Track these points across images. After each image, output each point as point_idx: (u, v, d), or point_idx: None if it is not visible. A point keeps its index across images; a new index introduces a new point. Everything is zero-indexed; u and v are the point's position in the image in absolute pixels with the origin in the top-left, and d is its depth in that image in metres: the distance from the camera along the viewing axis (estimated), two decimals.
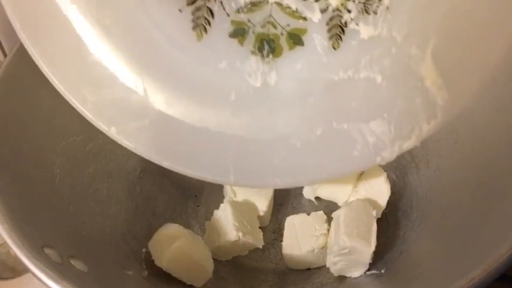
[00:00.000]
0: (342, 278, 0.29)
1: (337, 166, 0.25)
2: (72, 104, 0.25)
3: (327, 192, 0.33)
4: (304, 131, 0.25)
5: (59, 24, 0.24)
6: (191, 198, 0.34)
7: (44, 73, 0.24)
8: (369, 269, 0.28)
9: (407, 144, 0.24)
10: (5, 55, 0.30)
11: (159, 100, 0.25)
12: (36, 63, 0.24)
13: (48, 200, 0.26)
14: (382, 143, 0.24)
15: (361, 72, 0.23)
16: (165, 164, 0.26)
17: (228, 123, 0.25)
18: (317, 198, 0.33)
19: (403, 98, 0.23)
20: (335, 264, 0.28)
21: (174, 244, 0.27)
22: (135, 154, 0.34)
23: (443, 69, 0.22)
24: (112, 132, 0.25)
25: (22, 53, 0.28)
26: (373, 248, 0.26)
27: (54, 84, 0.25)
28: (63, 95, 0.25)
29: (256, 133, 0.25)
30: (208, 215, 0.32)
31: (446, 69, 0.22)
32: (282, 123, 0.25)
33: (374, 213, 0.28)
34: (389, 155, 0.24)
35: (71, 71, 0.24)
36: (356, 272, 0.28)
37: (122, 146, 0.33)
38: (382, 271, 0.27)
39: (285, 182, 0.25)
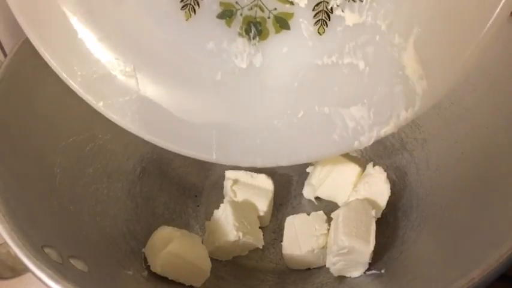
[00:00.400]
0: (341, 278, 0.29)
1: (316, 148, 0.25)
2: (62, 78, 0.26)
3: (327, 192, 0.33)
4: (286, 113, 0.25)
5: (50, 6, 0.25)
6: (191, 198, 0.34)
7: (36, 47, 0.25)
8: (369, 269, 0.28)
9: (385, 130, 0.24)
10: (5, 55, 0.30)
11: (146, 77, 0.25)
12: (30, 39, 0.25)
13: (48, 200, 0.26)
14: (361, 127, 0.24)
15: (344, 58, 0.24)
16: (151, 138, 0.26)
17: (213, 102, 0.26)
18: (317, 198, 0.33)
19: (384, 85, 0.24)
20: (334, 264, 0.28)
21: (165, 249, 0.27)
22: (135, 154, 0.34)
23: (424, 60, 0.23)
24: (100, 106, 0.26)
25: (22, 53, 0.28)
26: (371, 247, 0.26)
27: (46, 59, 0.25)
28: (54, 70, 0.26)
29: (240, 113, 0.26)
30: (208, 215, 0.32)
31: (426, 59, 0.23)
32: (266, 104, 0.25)
33: (373, 213, 0.28)
34: (367, 139, 0.25)
35: (62, 46, 0.25)
36: (356, 272, 0.28)
37: (122, 146, 0.33)
38: (382, 271, 0.27)
39: (264, 162, 0.26)
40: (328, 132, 0.25)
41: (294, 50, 0.25)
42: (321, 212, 0.30)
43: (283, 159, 0.26)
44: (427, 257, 0.26)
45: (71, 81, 0.26)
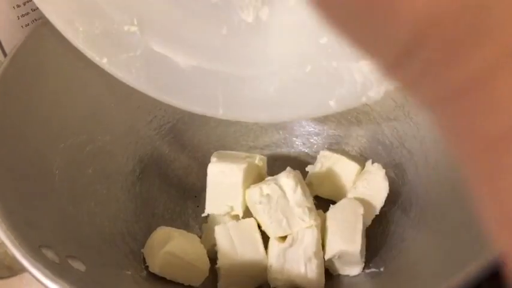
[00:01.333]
0: (340, 277, 0.29)
1: (323, 103, 0.25)
2: (65, 36, 0.26)
3: (326, 191, 0.33)
4: (293, 67, 0.24)
5: None
6: (191, 198, 0.34)
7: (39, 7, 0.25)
8: (367, 267, 0.27)
9: (395, 85, 0.23)
10: (5, 55, 0.31)
11: (150, 32, 0.25)
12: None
13: (46, 200, 0.26)
14: (370, 82, 0.24)
15: None
16: (157, 95, 0.26)
17: (218, 57, 0.25)
18: (317, 197, 0.33)
19: None
20: (331, 264, 0.28)
21: (163, 249, 0.27)
22: (134, 155, 0.34)
23: None
24: (104, 63, 0.26)
25: (22, 53, 0.29)
26: (359, 247, 0.26)
27: (47, 15, 0.25)
28: (58, 28, 0.25)
29: (246, 67, 0.25)
30: (208, 216, 0.32)
31: None
32: (272, 58, 0.25)
33: (362, 210, 0.28)
34: (375, 94, 0.24)
35: (64, 3, 0.25)
36: (353, 270, 0.28)
37: (122, 147, 0.33)
38: (381, 269, 0.27)
39: (270, 117, 0.26)
40: (336, 87, 0.24)
41: (301, 2, 0.25)
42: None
43: (290, 114, 0.25)
44: (426, 254, 0.26)
45: (71, 37, 0.25)
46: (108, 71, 0.26)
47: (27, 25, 0.31)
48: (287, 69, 0.25)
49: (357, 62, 0.23)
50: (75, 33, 0.25)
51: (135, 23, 0.25)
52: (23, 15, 0.30)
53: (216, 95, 0.25)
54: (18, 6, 0.30)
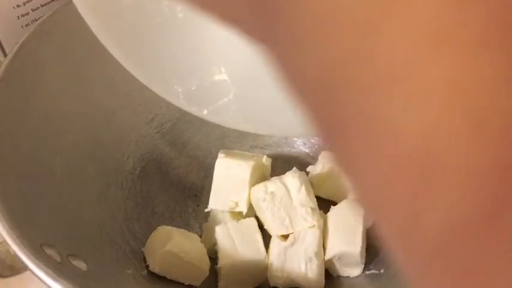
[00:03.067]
0: (340, 278, 0.29)
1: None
2: (166, 98, 0.26)
3: (327, 191, 0.33)
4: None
5: None
6: (191, 197, 0.34)
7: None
8: (368, 269, 0.28)
9: None
10: (5, 55, 0.31)
11: (236, 76, 0.26)
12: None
13: (47, 199, 0.26)
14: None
15: None
16: (245, 128, 0.26)
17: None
18: (317, 198, 0.33)
19: None
20: (331, 265, 0.28)
21: (163, 249, 0.27)
22: (135, 154, 0.34)
23: None
24: (205, 114, 0.26)
25: (22, 53, 0.28)
26: (358, 248, 0.26)
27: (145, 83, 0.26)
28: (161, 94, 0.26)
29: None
30: (208, 215, 0.32)
31: None
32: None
33: (362, 212, 0.28)
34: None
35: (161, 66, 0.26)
36: (353, 272, 0.28)
37: (122, 145, 0.33)
38: (382, 271, 0.27)
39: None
40: None
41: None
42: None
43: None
44: None
45: (173, 98, 0.26)
46: (210, 120, 0.26)
47: (27, 25, 0.31)
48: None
49: None
50: (176, 94, 0.26)
51: (223, 71, 0.26)
52: (23, 15, 0.30)
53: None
54: (18, 6, 0.30)
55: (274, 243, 0.28)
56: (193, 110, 0.26)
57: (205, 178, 0.35)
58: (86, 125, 0.31)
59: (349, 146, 0.08)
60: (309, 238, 0.27)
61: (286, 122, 0.24)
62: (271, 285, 0.28)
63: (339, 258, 0.27)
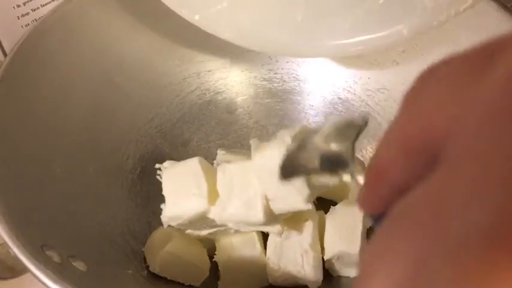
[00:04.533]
0: (341, 278, 0.29)
1: (396, 32, 0.25)
2: None
3: (327, 191, 0.33)
4: (367, 0, 0.26)
5: None
6: None
7: None
8: None
9: (464, 7, 0.24)
10: (5, 55, 0.30)
11: None
12: None
13: (48, 199, 0.26)
14: (440, 7, 0.24)
15: None
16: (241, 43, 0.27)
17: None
18: (318, 197, 0.33)
19: None
20: (331, 265, 0.28)
21: (163, 249, 0.27)
22: (135, 154, 0.34)
23: None
24: (196, 19, 0.27)
25: (22, 53, 0.28)
26: (358, 248, 0.26)
27: None
28: None
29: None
30: None
31: None
32: None
33: (362, 212, 0.28)
34: (445, 18, 0.25)
35: None
36: (353, 272, 0.28)
37: (123, 145, 0.33)
38: None
39: (345, 48, 0.26)
40: (409, 15, 0.25)
41: None
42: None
43: (363, 42, 0.26)
44: None
45: None
46: (200, 27, 0.26)
47: (27, 25, 0.31)
48: (361, 3, 0.25)
49: None
50: None
51: None
52: (23, 15, 0.30)
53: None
54: (18, 6, 0.30)
55: (270, 238, 0.28)
56: (184, 12, 0.26)
57: None
58: (86, 125, 0.31)
59: None
60: (304, 231, 0.28)
61: (282, 40, 0.25)
62: (270, 281, 0.28)
63: (338, 258, 0.27)
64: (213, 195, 0.26)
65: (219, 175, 0.26)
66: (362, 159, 0.34)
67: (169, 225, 0.28)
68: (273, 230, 0.28)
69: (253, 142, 0.27)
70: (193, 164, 0.27)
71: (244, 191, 0.25)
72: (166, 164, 0.28)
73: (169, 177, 0.27)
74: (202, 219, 0.27)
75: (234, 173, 0.26)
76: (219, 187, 0.26)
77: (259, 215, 0.25)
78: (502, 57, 0.09)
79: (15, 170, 0.25)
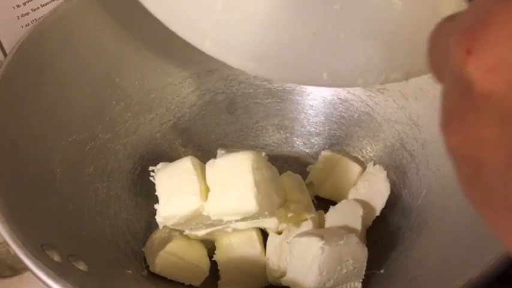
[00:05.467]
0: None
1: (316, 73, 0.23)
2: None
3: (327, 191, 0.33)
4: (297, 25, 0.22)
5: None
6: None
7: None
8: (368, 269, 0.28)
9: (395, 76, 0.22)
10: (5, 55, 0.30)
11: None
12: None
13: (48, 199, 0.26)
14: (372, 66, 0.22)
15: None
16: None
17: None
18: (317, 197, 0.33)
19: (413, 28, 0.21)
20: None
21: (163, 249, 0.27)
22: (135, 153, 0.34)
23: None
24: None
25: (22, 53, 0.28)
26: None
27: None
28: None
29: (245, 8, 0.23)
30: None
31: None
32: (275, 8, 0.22)
33: (361, 212, 0.28)
34: (373, 80, 0.22)
35: None
36: None
37: (122, 145, 0.33)
38: (381, 271, 0.27)
39: (256, 70, 0.23)
40: (336, 59, 0.22)
41: None
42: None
43: (277, 72, 0.23)
44: (426, 257, 0.26)
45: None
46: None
47: (27, 25, 0.31)
48: (289, 26, 0.23)
49: (365, 40, 0.22)
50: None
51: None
52: (23, 15, 0.30)
53: (206, 28, 0.23)
54: (18, 6, 0.30)
55: (270, 238, 0.28)
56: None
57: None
58: (85, 125, 0.31)
59: None
60: (303, 230, 0.28)
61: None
62: (270, 281, 0.28)
63: None
64: (206, 192, 0.26)
65: (208, 170, 0.26)
66: (362, 159, 0.34)
67: (164, 226, 0.28)
68: (270, 224, 0.28)
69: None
70: (185, 163, 0.27)
71: (235, 183, 0.25)
72: (160, 165, 0.28)
73: (162, 178, 0.27)
74: (197, 217, 0.27)
75: (223, 167, 0.26)
76: (210, 183, 0.26)
77: (252, 204, 0.25)
78: None
79: (15, 170, 0.25)
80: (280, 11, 0.22)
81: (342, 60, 0.22)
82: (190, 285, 0.29)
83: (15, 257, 0.22)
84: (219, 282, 0.29)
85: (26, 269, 0.22)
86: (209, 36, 0.23)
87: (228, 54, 0.23)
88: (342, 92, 0.36)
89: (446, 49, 0.11)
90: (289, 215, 0.28)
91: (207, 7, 0.23)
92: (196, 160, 0.28)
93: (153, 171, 0.28)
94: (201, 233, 0.29)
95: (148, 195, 0.33)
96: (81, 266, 0.24)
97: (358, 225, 0.28)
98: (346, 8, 0.22)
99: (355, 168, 0.31)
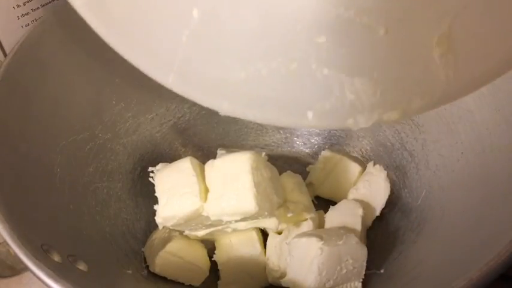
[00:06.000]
0: None
1: (299, 113, 0.21)
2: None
3: (327, 191, 0.33)
4: (276, 59, 0.20)
5: None
6: None
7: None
8: (367, 269, 0.28)
9: (389, 115, 0.20)
10: (5, 55, 0.31)
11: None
12: None
13: (48, 199, 0.26)
14: (361, 104, 0.20)
15: (364, 16, 0.19)
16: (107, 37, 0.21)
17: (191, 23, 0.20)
18: (317, 197, 0.33)
19: (402, 62, 0.20)
20: None
21: (163, 249, 0.27)
22: (135, 153, 0.34)
23: (457, 43, 0.19)
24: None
25: (22, 53, 0.28)
26: None
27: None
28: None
29: (219, 41, 0.20)
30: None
31: (461, 43, 0.19)
32: (250, 40, 0.20)
33: (360, 212, 0.28)
34: (365, 120, 0.20)
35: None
36: None
37: (122, 145, 0.33)
38: (381, 271, 0.27)
39: (233, 109, 0.21)
40: (320, 98, 0.20)
41: None
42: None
43: (255, 112, 0.21)
44: (426, 257, 0.26)
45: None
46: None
47: (27, 25, 0.31)
48: (267, 59, 0.20)
49: (352, 76, 0.20)
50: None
51: None
52: (23, 15, 0.30)
53: (172, 59, 0.20)
54: (18, 6, 0.30)
55: (270, 238, 0.29)
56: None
57: None
58: (85, 125, 0.31)
59: None
60: (303, 230, 0.28)
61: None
62: (270, 281, 0.28)
63: None
64: (205, 193, 0.26)
65: (207, 171, 0.26)
66: (362, 159, 0.34)
67: (164, 226, 0.28)
68: (270, 224, 0.28)
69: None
70: (185, 164, 0.27)
71: (234, 183, 0.25)
72: (159, 166, 0.28)
73: (162, 179, 0.27)
74: (196, 218, 0.27)
75: (222, 168, 0.26)
76: (209, 183, 0.26)
77: (251, 204, 0.25)
78: None
79: (15, 170, 0.25)
80: (256, 42, 0.20)
81: (327, 99, 0.20)
82: (190, 285, 0.29)
83: (15, 257, 0.22)
84: (219, 282, 0.29)
85: (26, 269, 0.22)
86: (173, 70, 0.20)
87: (196, 91, 0.21)
88: None
89: None
90: (289, 215, 0.28)
91: (171, 38, 0.20)
92: (195, 161, 0.28)
93: (152, 172, 0.28)
94: (201, 233, 0.29)
95: (148, 195, 0.33)
96: (81, 266, 0.24)
97: (357, 225, 0.28)
98: (330, 41, 0.20)
99: (355, 168, 0.31)
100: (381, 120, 0.20)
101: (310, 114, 0.21)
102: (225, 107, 0.21)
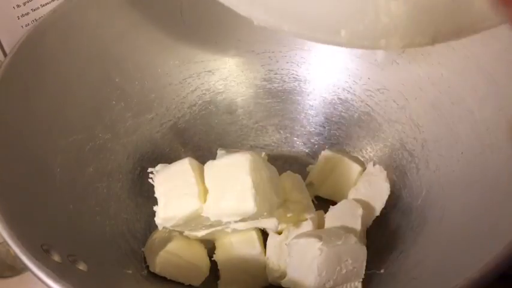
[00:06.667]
0: None
1: (333, 29, 0.21)
2: None
3: (327, 191, 0.33)
4: None
5: None
6: None
7: None
8: (368, 269, 0.28)
9: (420, 40, 0.20)
10: (5, 55, 0.31)
11: None
12: None
13: (48, 199, 0.26)
14: (395, 28, 0.20)
15: None
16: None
17: None
18: (317, 197, 0.33)
19: None
20: None
21: (163, 249, 0.27)
22: (135, 153, 0.34)
23: None
24: None
25: (22, 53, 0.28)
26: None
27: None
28: None
29: None
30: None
31: None
32: None
33: (360, 212, 0.28)
34: (397, 42, 0.20)
35: None
36: None
37: (122, 145, 0.33)
38: (382, 271, 0.28)
39: (267, 19, 0.21)
40: (354, 18, 0.20)
41: None
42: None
43: (290, 25, 0.21)
44: (426, 257, 0.26)
45: None
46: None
47: (27, 25, 0.31)
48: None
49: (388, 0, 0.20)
50: None
51: None
52: (23, 15, 0.30)
53: None
54: (18, 6, 0.30)
55: (270, 238, 0.29)
56: None
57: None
58: (85, 125, 0.31)
59: None
60: (303, 230, 0.28)
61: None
62: (270, 281, 0.28)
63: None
64: (204, 194, 0.26)
65: (207, 172, 0.26)
66: (362, 159, 0.34)
67: (164, 226, 0.28)
68: (269, 224, 0.28)
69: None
70: (184, 164, 0.27)
71: (233, 184, 0.25)
72: (159, 167, 0.28)
73: (161, 180, 0.27)
74: (196, 219, 0.27)
75: (221, 168, 0.26)
76: (208, 184, 0.26)
77: (250, 205, 0.25)
78: None
79: (15, 170, 0.25)
80: None
81: (362, 20, 0.20)
82: (190, 285, 0.29)
83: (15, 257, 0.22)
84: (219, 282, 0.29)
85: (26, 269, 0.22)
86: None
87: None
88: (342, 92, 0.36)
89: None
90: (289, 215, 0.28)
91: None
92: (194, 161, 0.28)
93: (151, 173, 0.28)
94: (201, 233, 0.29)
95: (148, 195, 0.33)
96: (81, 266, 0.24)
97: (357, 225, 0.28)
98: None
99: (355, 168, 0.31)
100: (412, 44, 0.21)
101: (343, 33, 0.21)
102: (260, 16, 0.21)
